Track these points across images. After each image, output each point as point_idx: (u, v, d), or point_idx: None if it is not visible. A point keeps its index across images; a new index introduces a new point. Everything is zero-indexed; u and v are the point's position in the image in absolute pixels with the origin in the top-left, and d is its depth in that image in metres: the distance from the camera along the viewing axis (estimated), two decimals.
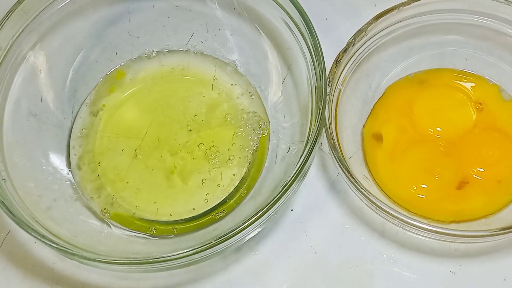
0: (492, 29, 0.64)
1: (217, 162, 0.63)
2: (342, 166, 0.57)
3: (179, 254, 0.53)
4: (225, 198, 0.63)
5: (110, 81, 0.67)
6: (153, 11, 0.68)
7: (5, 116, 0.61)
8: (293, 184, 0.54)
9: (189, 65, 0.68)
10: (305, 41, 0.60)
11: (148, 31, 0.68)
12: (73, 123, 0.66)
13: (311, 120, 0.58)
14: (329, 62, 0.60)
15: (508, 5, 0.62)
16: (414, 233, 0.58)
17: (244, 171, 0.63)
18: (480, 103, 0.64)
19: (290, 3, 0.59)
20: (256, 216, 0.53)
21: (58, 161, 0.64)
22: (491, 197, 0.61)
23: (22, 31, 0.62)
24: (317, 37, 0.58)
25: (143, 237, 0.61)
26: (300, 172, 0.55)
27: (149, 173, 0.64)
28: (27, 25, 0.62)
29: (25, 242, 0.63)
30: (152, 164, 0.64)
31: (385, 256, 0.61)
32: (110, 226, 0.62)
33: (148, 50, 0.68)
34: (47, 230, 0.56)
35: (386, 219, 0.58)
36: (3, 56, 0.60)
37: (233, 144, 0.64)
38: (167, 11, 0.67)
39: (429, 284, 0.60)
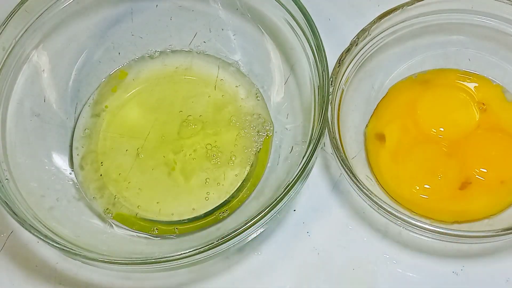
0: (495, 29, 0.64)
1: (219, 162, 0.63)
2: (344, 167, 0.57)
3: (181, 254, 0.53)
4: (227, 198, 0.63)
5: (113, 81, 0.67)
6: (156, 11, 0.68)
7: (8, 116, 0.61)
8: (296, 184, 0.54)
9: (192, 65, 0.68)
10: (307, 41, 0.60)
11: (151, 31, 0.68)
12: (76, 123, 0.66)
13: (313, 120, 0.58)
14: (332, 62, 0.60)
15: None
16: (416, 233, 0.58)
17: (247, 171, 0.63)
18: (483, 104, 0.64)
19: (293, 3, 0.59)
20: (259, 217, 0.53)
21: (61, 161, 0.64)
22: (494, 198, 0.61)
23: (25, 31, 0.62)
24: (319, 37, 0.58)
25: (146, 237, 0.61)
26: (303, 173, 0.55)
27: (151, 173, 0.64)
28: (30, 25, 0.62)
29: (28, 242, 0.63)
30: (154, 164, 0.64)
31: (388, 256, 0.61)
32: (112, 226, 0.62)
33: (151, 50, 0.68)
34: (49, 230, 0.56)
35: (388, 219, 0.58)
36: (6, 56, 0.61)
37: (235, 145, 0.64)
38: (170, 11, 0.67)
39: (431, 284, 0.60)
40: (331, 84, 0.59)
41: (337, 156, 0.58)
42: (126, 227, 0.62)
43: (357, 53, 0.63)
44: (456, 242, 0.58)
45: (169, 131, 0.65)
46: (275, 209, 0.54)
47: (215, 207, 0.63)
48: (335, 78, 0.60)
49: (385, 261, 0.61)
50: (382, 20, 0.62)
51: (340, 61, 0.61)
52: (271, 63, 0.66)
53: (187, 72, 0.68)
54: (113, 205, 0.63)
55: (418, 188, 0.61)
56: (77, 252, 0.54)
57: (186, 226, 0.62)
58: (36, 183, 0.61)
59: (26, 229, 0.54)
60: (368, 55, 0.64)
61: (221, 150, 0.64)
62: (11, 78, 0.62)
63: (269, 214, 0.54)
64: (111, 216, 0.63)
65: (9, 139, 0.61)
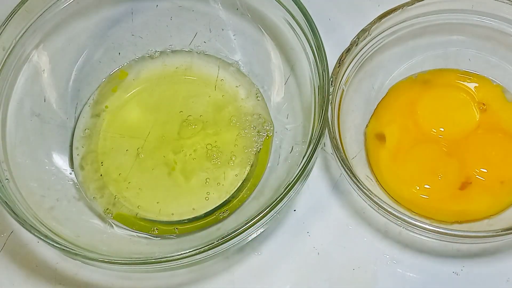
0: (495, 29, 0.64)
1: (219, 162, 0.63)
2: (345, 167, 0.57)
3: (181, 254, 0.53)
4: (227, 198, 0.63)
5: (113, 81, 0.67)
6: (156, 11, 0.68)
7: (8, 116, 0.61)
8: (296, 184, 0.54)
9: (192, 65, 0.68)
10: (308, 41, 0.60)
11: (151, 31, 0.68)
12: (76, 123, 0.66)
13: (314, 121, 0.58)
14: (332, 62, 0.60)
15: None
16: (416, 233, 0.58)
17: (247, 171, 0.63)
18: (483, 104, 0.64)
19: (293, 3, 0.59)
20: (259, 217, 0.53)
21: (61, 161, 0.64)
22: (494, 198, 0.61)
23: (25, 31, 0.62)
24: (320, 37, 0.58)
25: (146, 237, 0.62)
26: (303, 173, 0.55)
27: (152, 173, 0.64)
28: (31, 25, 0.62)
29: (28, 242, 0.63)
30: (154, 164, 0.64)
31: (388, 256, 0.61)
32: (112, 226, 0.62)
33: (151, 50, 0.68)
34: (50, 230, 0.56)
35: (388, 219, 0.58)
36: (6, 56, 0.61)
37: (236, 145, 0.64)
38: (170, 11, 0.67)
39: (432, 284, 0.60)
40: (331, 84, 0.59)
41: (337, 156, 0.58)
42: (126, 227, 0.62)
43: (357, 53, 0.63)
44: (456, 242, 0.58)
45: (169, 131, 0.65)
46: (275, 209, 0.54)
47: (215, 207, 0.63)
48: (335, 78, 0.60)
49: (385, 261, 0.61)
50: (382, 20, 0.62)
51: (340, 61, 0.61)
52: (271, 63, 0.66)
53: (187, 72, 0.68)
54: (113, 205, 0.63)
55: (418, 188, 0.61)
56: (77, 252, 0.54)
57: (186, 226, 0.62)
58: (36, 183, 0.61)
59: (26, 229, 0.54)
60: (368, 55, 0.64)
61: (221, 150, 0.64)
62: (11, 78, 0.62)
63: (269, 214, 0.54)
64: (111, 216, 0.63)
65: (9, 139, 0.61)
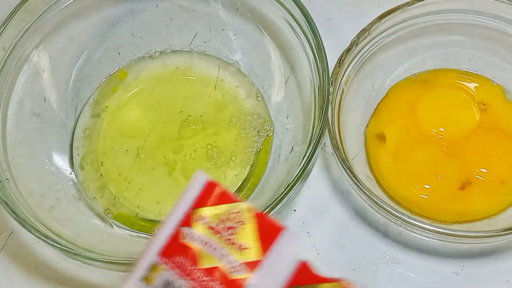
0: (496, 29, 0.64)
1: (219, 162, 0.63)
2: (345, 167, 0.57)
3: None
4: None
5: (113, 81, 0.67)
6: (156, 11, 0.68)
7: (8, 116, 0.61)
8: (296, 184, 0.54)
9: (192, 65, 0.68)
10: (308, 41, 0.60)
11: (151, 31, 0.68)
12: (76, 123, 0.66)
13: (314, 121, 0.58)
14: (332, 62, 0.60)
15: None
16: (417, 233, 0.58)
17: (247, 171, 0.63)
18: (483, 104, 0.64)
19: (293, 3, 0.59)
20: None
21: (61, 161, 0.64)
22: (494, 198, 0.61)
23: (25, 31, 0.62)
24: (320, 37, 0.58)
25: (146, 237, 0.61)
26: (303, 173, 0.55)
27: (152, 173, 0.64)
28: (31, 25, 0.62)
29: (28, 242, 0.63)
30: (154, 164, 0.64)
31: (388, 256, 0.61)
32: (112, 226, 0.62)
33: (151, 50, 0.68)
34: (50, 230, 0.56)
35: (389, 219, 0.58)
36: (6, 56, 0.61)
37: (236, 145, 0.64)
38: (170, 11, 0.67)
39: (432, 284, 0.60)
40: (331, 84, 0.59)
41: (337, 156, 0.58)
42: (126, 227, 0.62)
43: (358, 53, 0.63)
44: (456, 242, 0.58)
45: (170, 131, 0.65)
46: (275, 209, 0.54)
47: None
48: (335, 78, 0.60)
49: (385, 261, 0.61)
50: (383, 20, 0.62)
51: (340, 61, 0.61)
52: (271, 63, 0.66)
53: (188, 72, 0.68)
54: (113, 205, 0.63)
55: (418, 188, 0.61)
56: (77, 252, 0.54)
57: None
58: (36, 183, 0.61)
59: (27, 229, 0.54)
60: (368, 55, 0.64)
61: (221, 150, 0.64)
62: (12, 78, 0.62)
63: (269, 214, 0.54)
64: (111, 216, 0.63)
65: (9, 139, 0.61)
